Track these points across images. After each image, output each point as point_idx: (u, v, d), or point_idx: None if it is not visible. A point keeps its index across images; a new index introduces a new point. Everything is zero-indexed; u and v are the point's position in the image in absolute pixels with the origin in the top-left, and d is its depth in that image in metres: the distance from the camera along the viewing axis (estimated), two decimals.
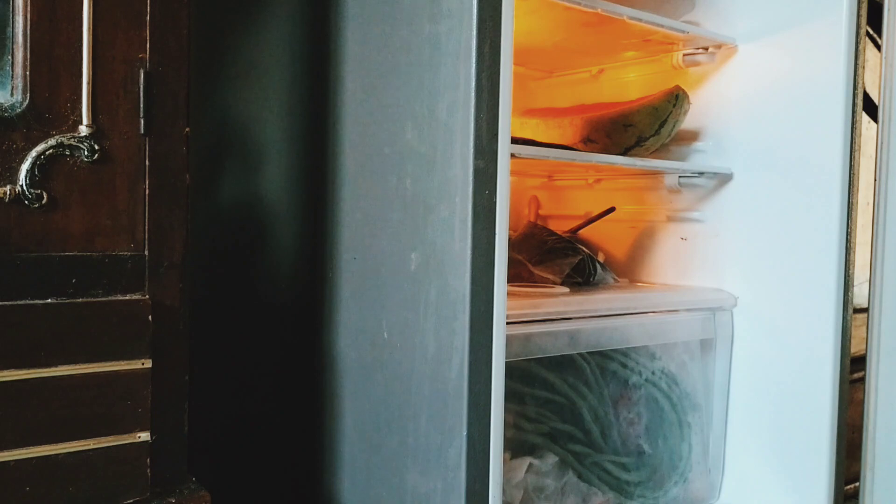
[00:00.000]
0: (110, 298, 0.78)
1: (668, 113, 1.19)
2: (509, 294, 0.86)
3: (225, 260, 1.25)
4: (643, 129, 1.20)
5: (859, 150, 1.12)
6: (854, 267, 1.13)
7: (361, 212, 0.97)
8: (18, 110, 0.74)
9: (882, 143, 1.15)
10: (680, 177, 1.28)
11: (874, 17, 1.15)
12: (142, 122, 0.79)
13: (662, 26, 1.12)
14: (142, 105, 0.79)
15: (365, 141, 0.96)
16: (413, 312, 0.89)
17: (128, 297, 0.79)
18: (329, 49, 1.01)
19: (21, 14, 0.73)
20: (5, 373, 0.72)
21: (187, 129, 0.82)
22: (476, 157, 0.81)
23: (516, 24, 0.83)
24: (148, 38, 0.79)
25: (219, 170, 1.25)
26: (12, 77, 0.74)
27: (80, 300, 0.77)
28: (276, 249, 1.14)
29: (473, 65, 0.80)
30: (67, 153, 0.76)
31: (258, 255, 1.18)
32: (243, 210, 1.21)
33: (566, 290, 1.12)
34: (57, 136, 0.75)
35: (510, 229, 0.86)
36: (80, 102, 0.76)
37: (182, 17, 0.81)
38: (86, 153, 0.76)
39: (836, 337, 1.12)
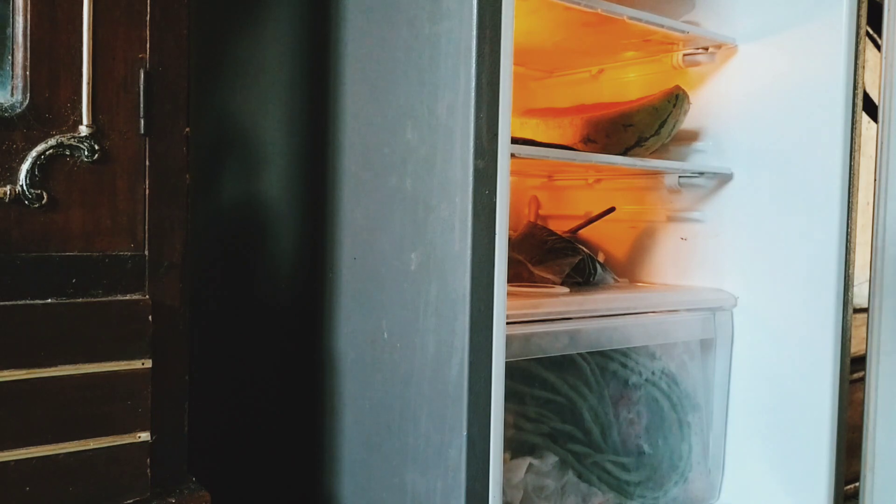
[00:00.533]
0: (110, 298, 0.78)
1: (668, 113, 1.19)
2: (509, 294, 0.86)
3: (225, 260, 1.25)
4: (643, 129, 1.20)
5: (859, 150, 1.12)
6: (854, 267, 1.13)
7: (361, 212, 0.97)
8: (18, 110, 0.74)
9: (882, 143, 1.15)
10: (680, 177, 1.28)
11: (874, 17, 1.15)
12: (142, 122, 0.79)
13: (662, 26, 1.12)
14: (142, 105, 0.79)
15: (365, 141, 0.96)
16: (413, 312, 0.89)
17: (128, 297, 0.79)
18: (329, 49, 1.01)
19: (21, 14, 0.73)
20: (5, 373, 0.72)
21: (187, 129, 0.82)
22: (476, 157, 0.81)
23: (516, 24, 0.83)
24: (148, 38, 0.79)
25: (219, 170, 1.25)
26: (12, 77, 0.74)
27: (80, 300, 0.77)
28: (276, 249, 1.14)
29: (473, 65, 0.80)
30: (67, 153, 0.76)
31: (258, 254, 1.18)
32: (243, 210, 1.21)
33: (566, 290, 1.12)
34: (57, 136, 0.75)
35: (510, 229, 0.86)
36: (80, 102, 0.76)
37: (182, 17, 0.81)
38: (86, 153, 0.76)
39: (836, 337, 1.12)
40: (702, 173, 1.24)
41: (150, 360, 0.79)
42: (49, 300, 0.75)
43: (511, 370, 0.88)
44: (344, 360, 1.00)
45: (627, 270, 1.39)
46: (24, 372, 0.73)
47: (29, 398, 0.73)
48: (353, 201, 0.98)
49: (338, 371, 1.01)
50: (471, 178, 0.81)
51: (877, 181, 1.15)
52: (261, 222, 1.16)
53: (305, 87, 1.08)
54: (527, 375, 1.04)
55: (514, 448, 1.03)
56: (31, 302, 0.74)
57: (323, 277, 1.03)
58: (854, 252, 1.12)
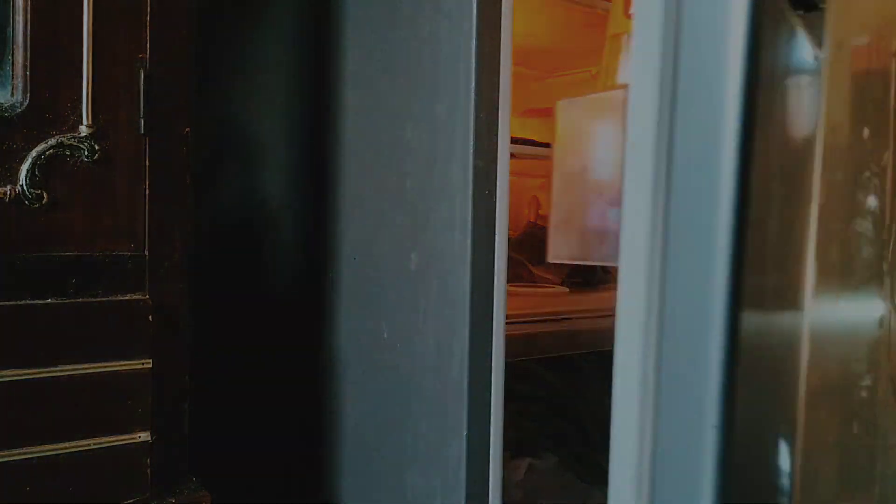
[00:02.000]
0: (110, 298, 0.78)
1: None
2: (509, 294, 0.86)
3: (225, 260, 1.25)
4: None
5: None
6: None
7: (362, 212, 0.97)
8: (19, 110, 0.74)
9: None
10: None
11: None
12: (142, 122, 0.79)
13: None
14: (142, 105, 0.79)
15: (365, 141, 0.96)
16: (413, 312, 0.89)
17: (128, 297, 0.79)
18: (329, 49, 1.01)
19: (21, 14, 0.73)
20: (5, 373, 0.72)
21: (187, 129, 0.82)
22: (476, 157, 0.81)
23: (516, 24, 0.83)
24: (148, 38, 0.79)
25: (219, 170, 1.25)
26: (12, 77, 0.74)
27: (80, 300, 0.77)
28: (276, 249, 1.14)
29: (473, 65, 0.80)
30: (67, 153, 0.76)
31: (259, 254, 1.18)
32: (243, 209, 1.21)
33: (566, 290, 1.12)
34: (57, 137, 0.75)
35: (510, 229, 0.86)
36: (81, 102, 0.76)
37: (182, 17, 0.81)
38: (86, 153, 0.76)
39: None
40: None
41: (150, 360, 0.79)
42: (49, 300, 0.75)
43: (511, 370, 0.88)
44: (344, 359, 1.00)
45: None
46: (24, 372, 0.73)
47: (29, 398, 0.73)
48: (354, 201, 0.98)
49: (338, 371, 1.01)
50: (471, 178, 0.81)
51: None
52: (261, 222, 1.16)
53: (305, 88, 1.08)
54: (527, 375, 1.04)
55: (514, 448, 1.03)
56: (32, 302, 0.74)
57: (323, 277, 1.03)
58: None
